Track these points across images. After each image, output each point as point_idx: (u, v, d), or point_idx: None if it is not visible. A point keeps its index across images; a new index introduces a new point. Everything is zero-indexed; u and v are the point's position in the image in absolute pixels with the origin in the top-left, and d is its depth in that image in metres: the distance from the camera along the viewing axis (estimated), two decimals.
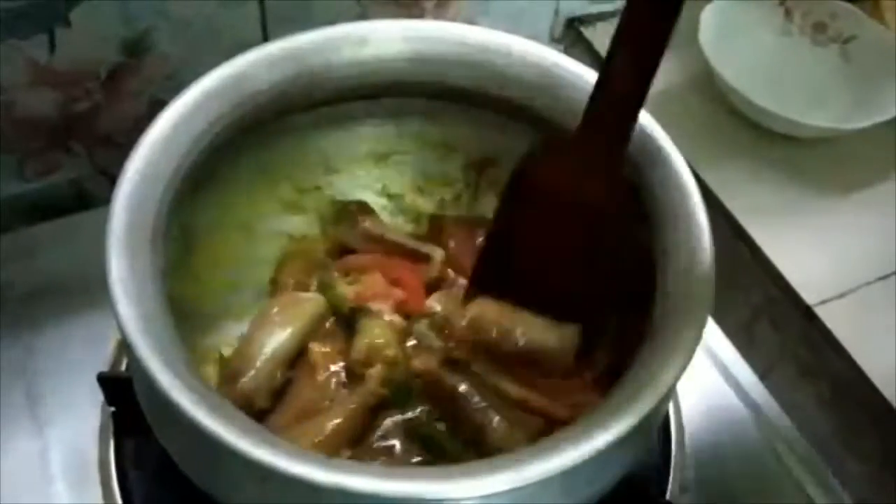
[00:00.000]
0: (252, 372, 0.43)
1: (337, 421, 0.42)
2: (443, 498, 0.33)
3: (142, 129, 0.41)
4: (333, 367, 0.44)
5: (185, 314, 0.41)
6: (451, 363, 0.44)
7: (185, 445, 0.38)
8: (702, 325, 0.38)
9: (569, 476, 0.34)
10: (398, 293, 0.47)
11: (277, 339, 0.44)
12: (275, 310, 0.45)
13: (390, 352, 0.44)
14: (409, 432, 0.42)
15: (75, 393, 0.50)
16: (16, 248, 0.57)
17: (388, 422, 0.42)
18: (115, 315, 0.34)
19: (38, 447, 0.49)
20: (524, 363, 0.44)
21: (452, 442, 0.42)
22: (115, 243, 0.36)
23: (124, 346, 0.35)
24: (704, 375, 0.55)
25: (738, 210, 0.63)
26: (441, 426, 0.42)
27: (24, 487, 0.47)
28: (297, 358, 0.45)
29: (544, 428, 0.42)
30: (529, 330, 0.44)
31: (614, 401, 0.36)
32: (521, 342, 0.44)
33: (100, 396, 0.48)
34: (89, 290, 0.53)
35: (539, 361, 0.44)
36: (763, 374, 0.57)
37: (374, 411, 0.43)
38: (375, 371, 0.43)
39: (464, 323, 0.44)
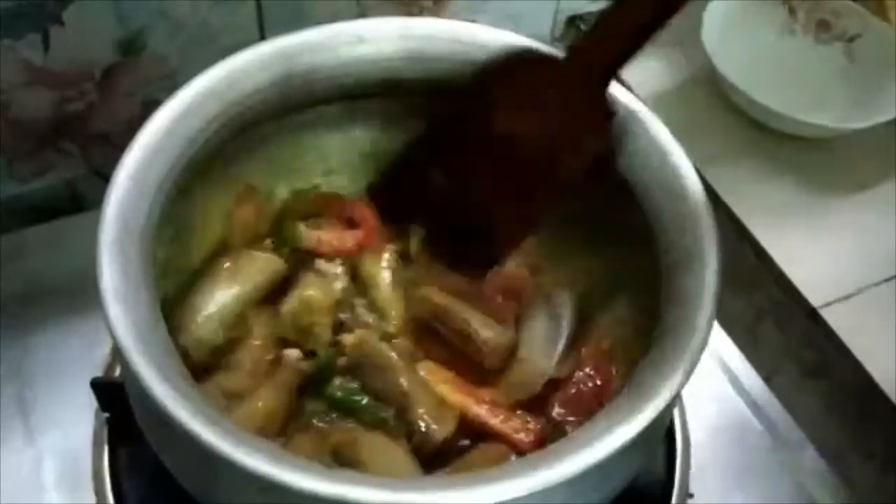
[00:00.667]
0: (193, 327, 0.42)
1: (265, 404, 0.41)
2: None
3: (136, 130, 0.41)
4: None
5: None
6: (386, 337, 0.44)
7: (181, 455, 0.37)
8: (707, 329, 0.37)
9: (574, 483, 0.33)
10: (357, 234, 0.47)
11: (223, 297, 0.43)
12: (226, 265, 0.44)
13: (321, 315, 0.43)
14: (333, 406, 0.42)
15: (68, 398, 0.49)
16: (9, 250, 0.56)
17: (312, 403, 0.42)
18: (107, 322, 0.34)
19: (30, 455, 0.48)
20: (452, 355, 0.44)
21: (377, 411, 0.41)
22: (107, 248, 0.35)
23: (117, 354, 0.34)
24: (709, 377, 0.55)
25: (742, 210, 0.62)
26: (363, 399, 0.42)
27: (16, 497, 0.46)
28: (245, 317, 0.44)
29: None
30: (469, 317, 0.44)
31: (619, 407, 0.36)
32: (460, 326, 0.44)
33: (93, 403, 0.48)
34: (84, 293, 0.51)
35: (468, 354, 0.44)
36: (767, 376, 0.57)
37: (301, 390, 0.42)
38: (295, 352, 0.43)
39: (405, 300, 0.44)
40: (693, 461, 0.50)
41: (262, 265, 0.45)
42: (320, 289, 0.44)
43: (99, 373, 0.49)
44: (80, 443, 0.47)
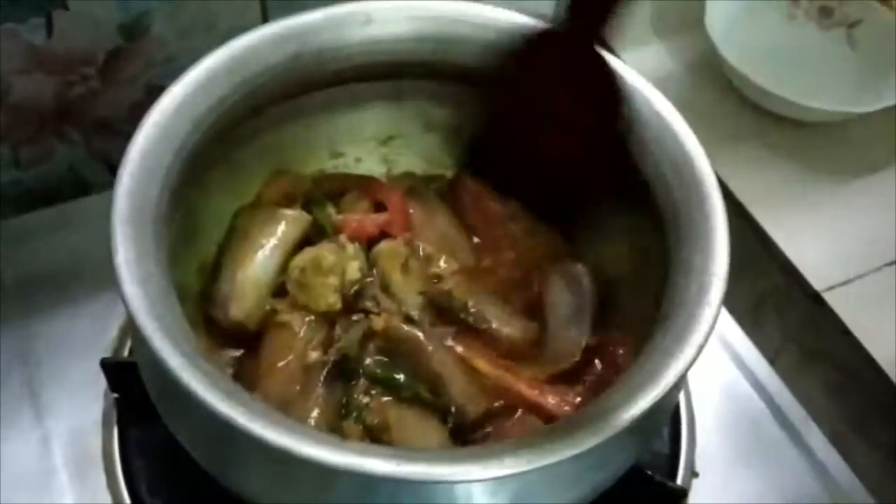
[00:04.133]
0: (243, 301, 0.43)
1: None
2: (454, 480, 0.32)
3: (139, 116, 0.40)
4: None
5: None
6: (409, 320, 0.44)
7: (194, 428, 0.37)
8: (714, 313, 0.37)
9: (581, 460, 0.34)
10: (379, 218, 0.47)
11: (265, 265, 0.44)
12: (258, 229, 0.45)
13: (327, 276, 0.43)
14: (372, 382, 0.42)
15: (76, 381, 0.49)
16: (14, 235, 0.56)
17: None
18: (122, 296, 0.34)
19: (39, 437, 0.48)
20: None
21: (414, 387, 0.42)
22: (120, 224, 0.35)
23: (131, 328, 0.34)
24: (714, 360, 0.55)
25: (745, 195, 0.62)
26: (400, 377, 0.42)
27: (25, 479, 0.46)
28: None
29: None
30: (490, 314, 0.45)
31: (627, 386, 0.36)
32: (486, 326, 0.45)
33: (101, 384, 0.48)
34: (88, 277, 0.52)
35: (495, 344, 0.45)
36: (771, 359, 0.57)
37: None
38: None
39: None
40: (699, 441, 0.50)
41: (289, 228, 0.46)
42: (332, 253, 0.44)
43: (106, 354, 0.49)
44: (89, 424, 0.48)
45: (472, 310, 0.45)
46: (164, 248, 0.38)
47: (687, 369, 0.36)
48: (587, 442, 0.33)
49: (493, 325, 0.45)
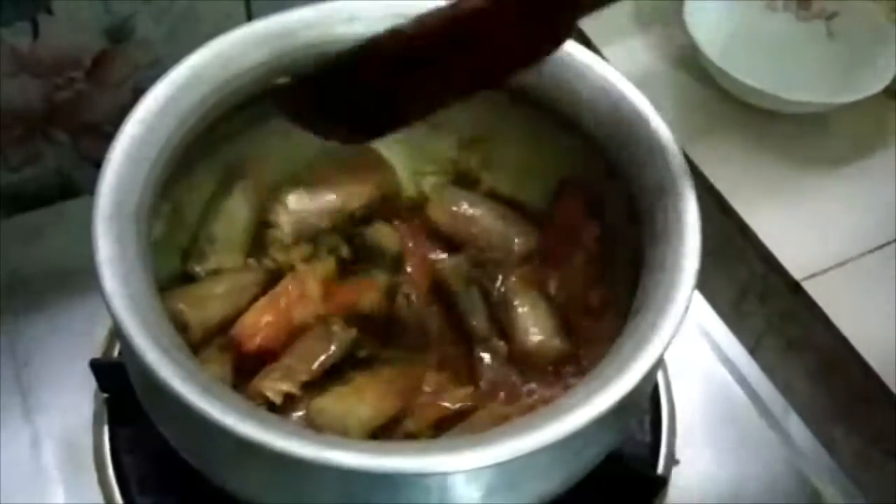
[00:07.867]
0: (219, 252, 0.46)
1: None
2: (429, 472, 0.33)
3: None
4: None
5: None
6: None
7: (177, 424, 0.38)
8: (687, 298, 0.37)
9: (554, 450, 0.34)
10: None
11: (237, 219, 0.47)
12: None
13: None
14: None
15: (67, 381, 0.50)
16: (3, 237, 0.56)
17: None
18: (103, 294, 0.34)
19: (29, 436, 0.48)
20: None
21: None
22: (102, 222, 0.36)
23: (113, 325, 0.35)
24: (694, 350, 0.55)
25: (725, 186, 0.63)
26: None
27: (16, 478, 0.47)
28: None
29: None
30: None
31: (600, 374, 0.36)
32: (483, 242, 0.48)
33: (92, 384, 0.48)
34: (77, 278, 0.52)
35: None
36: (752, 349, 0.57)
37: None
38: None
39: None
40: (680, 430, 0.50)
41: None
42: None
43: (96, 354, 0.49)
44: (80, 423, 0.48)
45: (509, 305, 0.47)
46: (148, 245, 0.38)
47: (655, 366, 0.36)
48: (556, 434, 0.33)
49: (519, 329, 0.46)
